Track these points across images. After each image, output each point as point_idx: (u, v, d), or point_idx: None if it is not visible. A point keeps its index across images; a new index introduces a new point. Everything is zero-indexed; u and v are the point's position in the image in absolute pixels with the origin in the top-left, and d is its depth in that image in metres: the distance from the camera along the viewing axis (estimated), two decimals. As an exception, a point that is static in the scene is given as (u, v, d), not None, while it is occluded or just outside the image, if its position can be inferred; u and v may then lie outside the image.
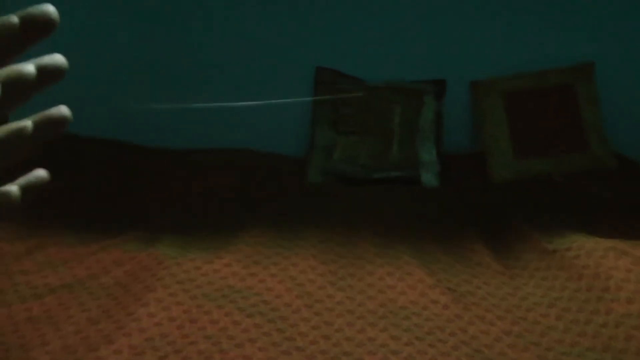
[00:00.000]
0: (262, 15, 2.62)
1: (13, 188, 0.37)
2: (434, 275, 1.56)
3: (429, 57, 2.62)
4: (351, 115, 2.47)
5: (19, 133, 0.35)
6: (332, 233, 1.77)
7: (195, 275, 1.50)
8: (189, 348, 1.20)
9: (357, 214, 1.96)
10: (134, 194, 2.18)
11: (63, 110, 0.36)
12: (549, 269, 1.60)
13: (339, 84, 2.51)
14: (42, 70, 0.34)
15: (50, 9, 0.32)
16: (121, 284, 1.51)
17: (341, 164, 2.40)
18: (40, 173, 0.39)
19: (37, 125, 0.35)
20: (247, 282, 1.47)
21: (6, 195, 0.37)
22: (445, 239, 1.81)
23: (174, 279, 1.47)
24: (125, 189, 2.23)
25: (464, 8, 2.59)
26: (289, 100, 2.53)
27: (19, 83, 0.32)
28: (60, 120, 0.36)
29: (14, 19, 0.31)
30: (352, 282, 1.50)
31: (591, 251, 1.58)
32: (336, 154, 2.41)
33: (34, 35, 0.32)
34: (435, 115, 2.47)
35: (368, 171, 2.37)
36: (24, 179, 0.38)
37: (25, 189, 0.38)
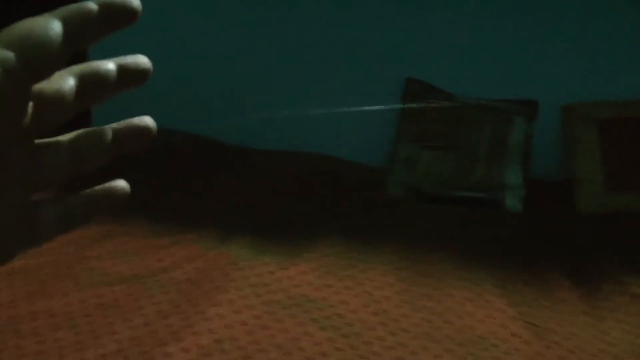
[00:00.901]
0: (356, 25, 2.60)
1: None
2: (515, 307, 1.47)
3: (520, 76, 2.52)
4: (437, 130, 2.39)
5: (98, 139, 0.33)
6: (411, 251, 1.70)
7: (268, 280, 1.46)
8: (258, 356, 1.16)
9: (438, 233, 1.88)
10: (210, 191, 2.17)
11: (147, 121, 0.34)
12: (640, 315, 1.49)
13: (428, 97, 2.44)
14: (122, 69, 0.31)
15: None
16: (192, 280, 1.49)
17: (423, 179, 2.32)
18: (120, 184, 0.35)
19: (118, 134, 0.33)
20: (322, 293, 1.41)
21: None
22: (527, 269, 1.71)
23: (247, 281, 1.44)
24: (202, 185, 2.23)
25: (560, 30, 2.47)
26: (376, 107, 2.48)
27: (96, 80, 0.31)
28: (144, 131, 0.34)
29: (92, 5, 0.29)
30: (429, 304, 1.43)
31: (692, 300, 1.46)
32: (419, 169, 2.34)
33: (112, 24, 0.30)
34: (525, 137, 2.36)
35: (450, 189, 2.28)
36: (99, 188, 0.35)
37: (100, 197, 0.35)
